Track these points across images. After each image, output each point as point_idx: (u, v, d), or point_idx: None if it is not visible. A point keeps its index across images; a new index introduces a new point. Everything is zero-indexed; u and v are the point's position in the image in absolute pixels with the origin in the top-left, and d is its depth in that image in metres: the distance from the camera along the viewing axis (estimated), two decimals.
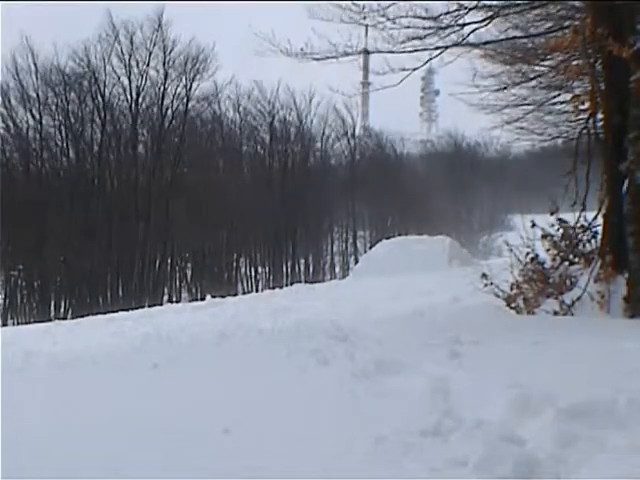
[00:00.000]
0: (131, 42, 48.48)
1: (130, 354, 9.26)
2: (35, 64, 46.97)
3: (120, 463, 4.29)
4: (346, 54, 12.37)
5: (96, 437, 4.85)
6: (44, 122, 48.33)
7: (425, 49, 12.27)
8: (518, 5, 12.69)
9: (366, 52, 13.64)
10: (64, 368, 8.63)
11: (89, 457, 4.45)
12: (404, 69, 12.42)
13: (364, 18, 11.85)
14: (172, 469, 4.16)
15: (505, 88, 16.81)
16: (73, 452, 4.54)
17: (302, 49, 12.46)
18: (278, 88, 55.98)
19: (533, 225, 10.39)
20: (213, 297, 22.63)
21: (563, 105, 17.52)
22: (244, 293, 39.04)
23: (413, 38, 12.07)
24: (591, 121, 10.08)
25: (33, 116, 48.01)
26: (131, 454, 4.44)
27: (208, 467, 4.18)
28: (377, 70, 12.74)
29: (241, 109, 56.79)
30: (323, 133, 60.64)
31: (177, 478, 4.03)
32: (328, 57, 12.40)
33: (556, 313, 9.13)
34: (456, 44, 12.34)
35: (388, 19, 11.77)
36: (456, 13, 11.87)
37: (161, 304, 32.02)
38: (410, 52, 12.30)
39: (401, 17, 11.81)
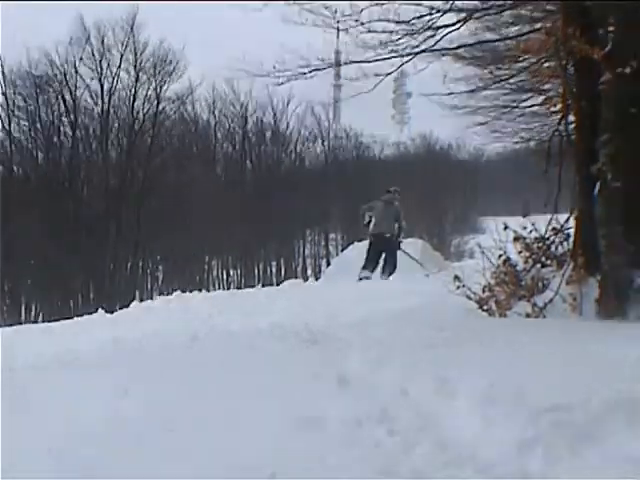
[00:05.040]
0: (102, 44, 48.26)
1: (104, 357, 9.11)
2: (2, 66, 46.67)
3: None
4: (318, 69, 12.47)
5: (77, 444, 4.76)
6: (13, 126, 47.99)
7: (397, 55, 12.32)
8: (491, 8, 12.73)
9: (338, 64, 13.69)
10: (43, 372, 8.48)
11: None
12: (377, 74, 12.47)
13: (337, 22, 11.88)
14: None
15: (482, 89, 16.88)
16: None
17: (274, 67, 12.58)
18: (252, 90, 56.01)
19: (505, 228, 10.38)
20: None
21: (535, 107, 17.62)
22: None
23: (385, 43, 12.10)
24: (563, 123, 10.10)
25: (2, 120, 47.70)
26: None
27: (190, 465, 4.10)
28: (350, 76, 12.81)
29: (216, 110, 56.78)
30: (299, 135, 60.72)
31: None
32: (300, 73, 12.50)
33: (528, 315, 9.12)
34: (429, 49, 12.39)
35: (362, 24, 11.79)
36: (428, 17, 11.90)
37: None
38: (383, 60, 12.35)
39: (374, 21, 11.84)
